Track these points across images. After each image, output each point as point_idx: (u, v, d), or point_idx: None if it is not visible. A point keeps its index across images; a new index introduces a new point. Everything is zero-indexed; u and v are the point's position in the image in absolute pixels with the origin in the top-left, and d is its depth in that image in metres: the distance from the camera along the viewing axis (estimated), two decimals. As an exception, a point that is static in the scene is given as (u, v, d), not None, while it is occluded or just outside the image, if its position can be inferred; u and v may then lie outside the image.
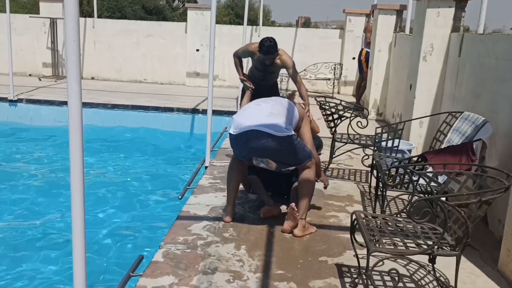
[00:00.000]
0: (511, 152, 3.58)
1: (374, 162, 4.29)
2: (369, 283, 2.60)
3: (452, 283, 2.68)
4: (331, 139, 5.10)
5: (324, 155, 5.26)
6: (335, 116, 4.96)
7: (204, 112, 8.34)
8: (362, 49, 9.54)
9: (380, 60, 8.39)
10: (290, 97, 4.71)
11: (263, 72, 5.02)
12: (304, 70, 10.88)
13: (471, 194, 2.55)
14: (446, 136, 4.19)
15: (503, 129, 3.73)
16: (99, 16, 13.92)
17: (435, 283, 2.92)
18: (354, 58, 10.80)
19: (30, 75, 11.71)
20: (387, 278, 2.90)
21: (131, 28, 11.64)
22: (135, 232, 4.97)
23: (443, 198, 2.79)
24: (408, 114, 5.67)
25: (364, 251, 2.55)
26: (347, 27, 11.11)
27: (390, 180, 3.52)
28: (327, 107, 5.00)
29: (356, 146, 4.98)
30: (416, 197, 3.19)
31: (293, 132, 3.50)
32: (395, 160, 4.14)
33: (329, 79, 10.86)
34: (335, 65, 10.91)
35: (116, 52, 11.65)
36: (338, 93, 11.17)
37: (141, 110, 8.67)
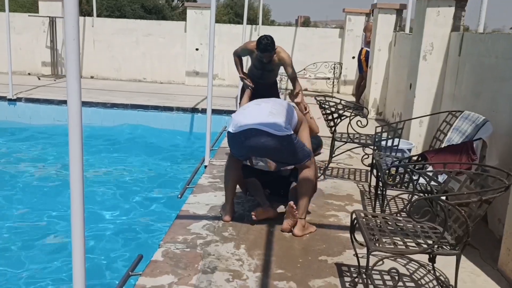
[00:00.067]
0: (511, 151, 3.57)
1: (374, 161, 4.29)
2: (369, 282, 2.60)
3: (452, 282, 2.67)
4: (331, 139, 5.09)
5: (324, 155, 5.25)
6: (335, 115, 4.95)
7: (203, 111, 8.34)
8: (362, 48, 9.53)
9: (380, 59, 8.39)
10: (291, 96, 4.69)
11: (261, 70, 5.02)
12: (304, 69, 10.88)
13: (471, 193, 2.54)
14: (446, 135, 4.18)
15: (503, 128, 3.72)
16: (98, 15, 13.91)
17: (435, 282, 2.92)
18: (353, 58, 10.79)
19: (29, 74, 11.70)
20: (387, 277, 2.89)
21: (131, 27, 11.63)
22: (134, 231, 4.97)
23: (443, 197, 2.78)
24: (408, 113, 5.66)
25: (364, 250, 2.55)
26: (346, 26, 11.10)
27: (390, 179, 3.51)
28: (326, 107, 5.00)
29: (356, 145, 4.97)
30: (416, 196, 3.19)
31: (292, 132, 3.49)
32: (395, 159, 4.13)
33: (328, 78, 10.86)
34: (335, 64, 10.90)
35: (115, 51, 11.64)
36: (338, 92, 11.16)
37: (140, 109, 8.67)
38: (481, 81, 4.36)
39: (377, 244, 2.52)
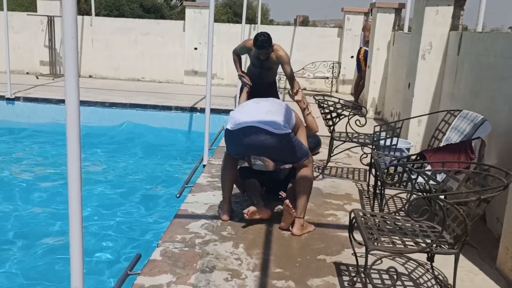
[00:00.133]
0: (510, 150, 3.58)
1: (372, 160, 4.29)
2: (368, 281, 2.59)
3: (451, 281, 2.67)
4: (329, 138, 5.09)
5: (323, 154, 5.25)
6: (334, 114, 4.95)
7: (202, 110, 8.35)
8: (360, 48, 9.54)
9: (378, 59, 8.39)
10: (290, 94, 4.69)
11: (260, 68, 5.02)
12: (303, 68, 10.88)
13: (470, 192, 2.54)
14: (444, 135, 4.18)
15: (501, 127, 3.72)
16: (96, 14, 13.88)
17: (433, 281, 2.92)
18: (352, 57, 10.79)
19: (27, 73, 11.68)
20: (385, 276, 2.89)
21: (129, 26, 11.61)
22: (132, 230, 4.96)
23: (442, 196, 2.78)
24: (406, 113, 5.66)
25: (363, 249, 2.55)
26: (345, 26, 11.09)
27: (389, 179, 3.51)
28: (325, 106, 5.00)
29: (355, 144, 4.97)
30: (414, 196, 3.19)
31: (290, 131, 3.49)
32: (393, 158, 4.13)
33: (327, 77, 10.86)
34: (334, 63, 10.91)
35: (114, 50, 11.62)
36: (337, 91, 11.17)
37: (139, 108, 8.65)
38: (480, 80, 4.37)
39: (375, 243, 2.52)
